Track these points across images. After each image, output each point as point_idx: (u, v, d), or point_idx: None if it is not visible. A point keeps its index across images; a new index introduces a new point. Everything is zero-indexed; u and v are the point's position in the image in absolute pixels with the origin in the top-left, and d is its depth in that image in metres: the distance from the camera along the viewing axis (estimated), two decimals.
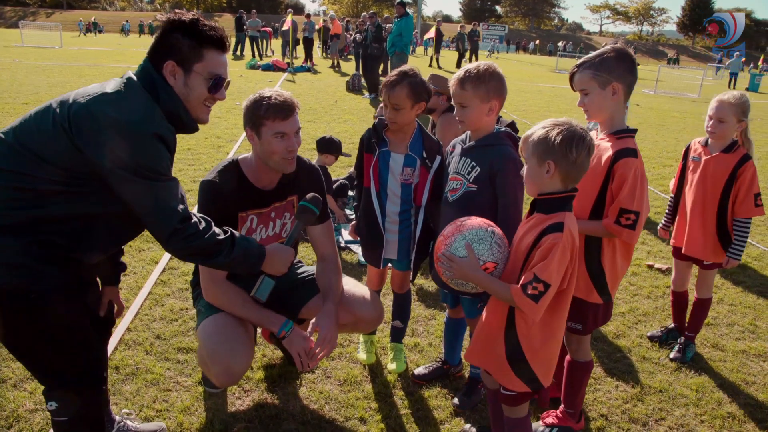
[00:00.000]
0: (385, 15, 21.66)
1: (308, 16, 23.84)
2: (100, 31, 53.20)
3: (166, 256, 4.61)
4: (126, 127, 1.88)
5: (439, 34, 28.02)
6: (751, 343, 3.90)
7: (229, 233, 2.16)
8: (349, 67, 22.55)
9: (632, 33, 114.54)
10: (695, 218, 3.50)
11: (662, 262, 5.22)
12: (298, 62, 22.45)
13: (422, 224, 3.02)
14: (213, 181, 2.61)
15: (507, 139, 2.67)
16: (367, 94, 15.09)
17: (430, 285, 4.42)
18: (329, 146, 5.66)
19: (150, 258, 4.58)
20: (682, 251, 3.58)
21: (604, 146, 2.55)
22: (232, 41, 25.41)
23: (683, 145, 3.79)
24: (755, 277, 5.08)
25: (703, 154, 3.49)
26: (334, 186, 5.83)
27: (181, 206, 2.01)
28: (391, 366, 3.31)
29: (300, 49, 24.33)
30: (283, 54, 23.76)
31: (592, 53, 2.59)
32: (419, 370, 3.27)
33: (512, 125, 4.11)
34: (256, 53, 25.52)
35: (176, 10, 2.09)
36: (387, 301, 3.75)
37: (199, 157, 7.80)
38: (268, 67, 20.58)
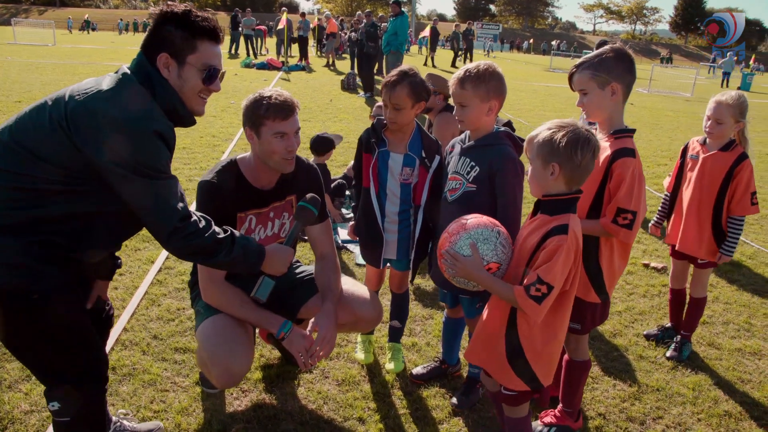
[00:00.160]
0: (380, 14, 21.66)
1: (303, 14, 23.82)
2: (93, 29, 52.91)
3: (163, 255, 4.59)
4: (125, 125, 1.87)
5: (435, 33, 28.01)
6: (746, 342, 3.92)
7: (229, 232, 2.16)
8: (344, 65, 22.51)
9: (625, 32, 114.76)
10: (691, 215, 3.52)
11: (658, 261, 5.23)
12: (293, 61, 22.40)
13: (421, 224, 3.01)
14: (211, 181, 2.60)
15: (506, 138, 2.67)
16: (362, 92, 15.07)
17: (427, 285, 4.42)
18: (323, 145, 5.64)
19: (146, 257, 4.56)
20: (676, 248, 3.61)
21: (602, 146, 2.55)
22: (227, 39, 25.30)
23: (677, 144, 3.82)
24: (750, 276, 5.11)
25: (701, 152, 3.51)
26: (332, 185, 5.82)
27: (180, 204, 2.00)
28: (389, 366, 3.31)
29: (295, 48, 24.28)
30: (278, 53, 23.70)
31: (591, 53, 2.59)
32: (417, 370, 3.27)
33: (509, 124, 4.11)
34: (251, 52, 25.44)
35: (169, 2, 2.08)
36: (385, 301, 3.75)
37: (195, 156, 7.77)
38: (262, 66, 20.52)
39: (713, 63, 41.63)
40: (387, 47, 14.36)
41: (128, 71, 2.03)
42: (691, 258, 3.63)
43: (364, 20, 16.55)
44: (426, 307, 4.11)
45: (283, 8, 24.67)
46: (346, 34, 27.01)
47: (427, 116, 5.17)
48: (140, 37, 40.55)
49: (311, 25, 24.28)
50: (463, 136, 2.82)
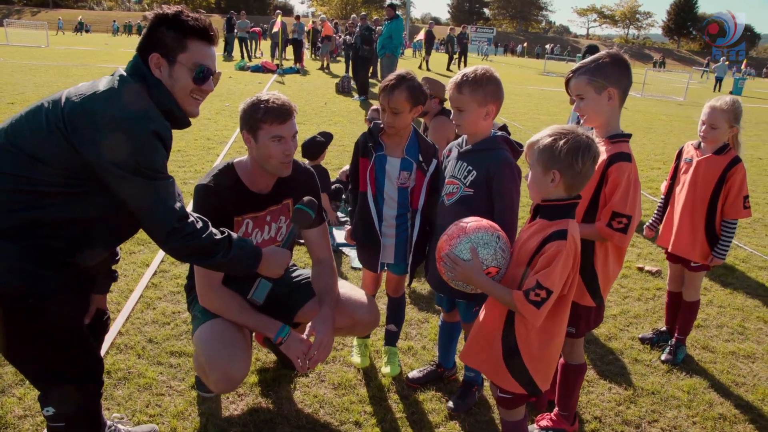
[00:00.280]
0: (374, 17, 21.71)
1: (297, 17, 23.81)
2: (87, 31, 52.72)
3: (158, 258, 4.57)
4: (123, 124, 1.87)
5: (430, 37, 28.07)
6: (740, 345, 3.94)
7: (226, 233, 2.16)
8: (339, 68, 22.53)
9: (618, 36, 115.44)
10: (684, 218, 3.55)
11: (652, 265, 5.26)
12: (288, 64, 22.40)
13: (419, 228, 3.02)
14: (208, 185, 2.60)
15: (503, 143, 2.68)
16: (356, 96, 15.08)
17: (422, 288, 4.42)
18: (314, 149, 5.63)
19: (141, 261, 4.54)
20: (669, 249, 3.64)
21: None
22: (222, 42, 25.29)
23: (671, 148, 3.86)
24: (743, 279, 5.14)
25: (696, 156, 3.55)
26: (331, 188, 5.81)
27: (178, 205, 2.00)
28: (386, 369, 3.31)
29: (289, 51, 24.28)
30: (273, 55, 23.69)
31: (588, 58, 2.60)
32: (413, 374, 3.27)
33: (504, 128, 4.12)
34: (245, 54, 25.43)
35: (162, 5, 2.10)
36: (380, 305, 3.75)
37: (189, 158, 7.76)
38: (257, 69, 20.52)
39: (707, 67, 41.87)
40: (382, 50, 14.39)
41: (125, 73, 2.03)
42: (684, 261, 3.65)
43: (359, 23, 16.57)
44: (422, 311, 4.11)
45: (278, 11, 24.65)
46: (340, 37, 27.04)
47: (422, 120, 5.18)
48: (134, 39, 40.42)
49: (306, 28, 24.28)
50: (460, 140, 2.82)
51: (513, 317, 2.22)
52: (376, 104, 9.82)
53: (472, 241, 2.19)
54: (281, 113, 2.50)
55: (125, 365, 3.20)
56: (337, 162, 8.00)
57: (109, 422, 2.65)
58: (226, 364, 2.54)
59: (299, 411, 2.97)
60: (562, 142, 2.05)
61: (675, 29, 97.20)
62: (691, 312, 3.70)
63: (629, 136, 2.60)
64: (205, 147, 8.51)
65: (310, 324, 2.70)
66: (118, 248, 2.51)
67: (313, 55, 27.56)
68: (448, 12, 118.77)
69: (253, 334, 3.22)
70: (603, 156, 2.53)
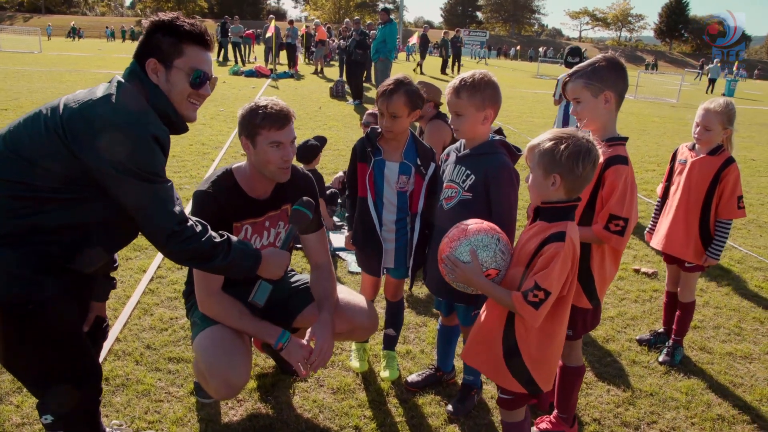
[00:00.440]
0: (368, 21, 21.73)
1: (291, 22, 23.84)
2: (80, 36, 52.59)
3: (154, 264, 4.56)
4: (122, 128, 1.88)
5: (424, 40, 28.13)
6: (737, 345, 3.96)
7: (225, 236, 2.16)
8: (333, 72, 22.55)
9: (611, 39, 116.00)
10: (678, 218, 3.58)
11: (648, 266, 5.28)
12: (282, 68, 22.41)
13: (419, 231, 3.02)
14: (207, 191, 2.60)
15: (502, 147, 2.69)
16: (351, 100, 15.09)
17: (420, 292, 4.42)
18: (308, 152, 5.64)
19: (137, 267, 4.53)
20: (661, 249, 3.67)
21: None
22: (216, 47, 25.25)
23: (664, 150, 3.89)
24: (739, 280, 5.16)
25: (690, 157, 3.58)
26: (327, 193, 5.82)
27: (177, 208, 2.01)
28: (384, 374, 3.31)
29: (283, 56, 24.29)
30: (266, 60, 23.69)
31: (585, 62, 2.62)
32: (412, 378, 3.27)
33: (500, 131, 4.14)
34: (239, 59, 25.43)
35: (159, 13, 2.13)
36: (379, 309, 3.75)
37: (185, 164, 7.75)
38: (251, 74, 20.50)
39: (701, 69, 42.10)
40: (376, 54, 14.40)
41: (122, 80, 2.05)
42: (679, 261, 3.67)
43: (353, 27, 16.59)
44: (419, 315, 4.11)
45: (271, 15, 24.65)
46: (334, 41, 27.08)
47: (418, 124, 5.18)
48: (128, 45, 40.23)
49: (299, 33, 24.31)
50: (458, 144, 2.83)
51: (513, 318, 2.24)
52: (370, 108, 9.84)
53: (472, 244, 2.20)
54: (279, 119, 2.51)
55: (123, 372, 3.19)
56: (332, 166, 8.00)
57: (108, 429, 2.65)
58: (226, 370, 2.53)
59: (299, 416, 2.97)
60: (562, 147, 2.07)
61: (667, 32, 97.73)
62: (686, 313, 3.72)
63: (626, 139, 2.62)
64: (200, 152, 8.50)
65: (310, 329, 2.70)
66: (116, 255, 2.51)
67: (306, 60, 27.57)
68: (441, 16, 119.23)
69: (252, 340, 3.21)
70: (600, 159, 2.55)
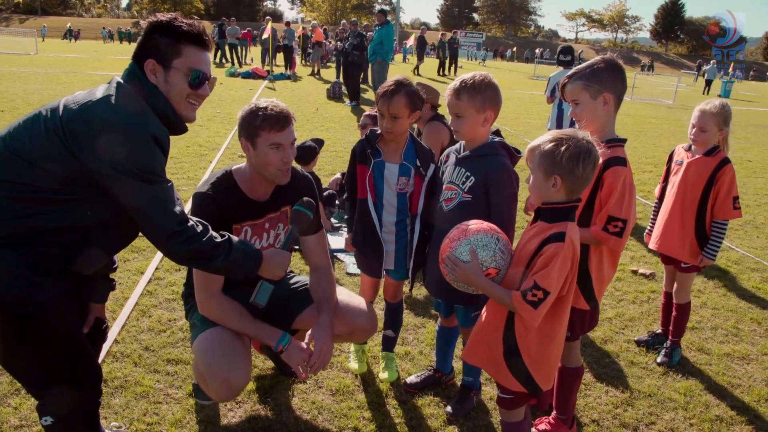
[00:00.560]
0: (365, 23, 21.73)
1: (287, 23, 23.84)
2: (76, 38, 52.49)
3: (152, 266, 4.55)
4: (121, 129, 1.89)
5: (422, 42, 28.14)
6: (734, 346, 3.97)
7: (226, 237, 2.16)
8: (329, 74, 22.55)
9: (607, 40, 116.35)
10: (674, 218, 3.59)
11: (646, 267, 5.29)
12: (279, 70, 22.39)
13: (418, 233, 3.02)
14: (207, 193, 2.59)
15: (501, 149, 2.70)
16: (348, 101, 15.10)
17: (418, 293, 4.42)
18: (306, 153, 5.63)
19: (135, 268, 4.52)
20: (656, 248, 3.68)
21: None
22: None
23: (661, 151, 3.91)
24: (736, 281, 5.18)
25: (686, 158, 3.60)
26: (324, 194, 5.81)
27: (178, 208, 2.01)
28: (383, 375, 3.31)
29: (280, 57, 24.29)
30: (263, 62, 23.68)
31: (583, 64, 2.63)
32: (411, 379, 3.27)
33: (497, 132, 4.14)
34: (236, 61, 25.43)
35: (157, 14, 2.13)
36: (377, 310, 3.75)
37: (182, 165, 7.74)
38: (248, 75, 20.50)
39: (698, 71, 42.26)
40: (373, 56, 14.43)
41: (121, 81, 2.05)
42: (675, 262, 3.68)
43: (350, 29, 16.61)
44: (418, 316, 4.11)
45: (267, 17, 24.63)
46: (330, 43, 27.09)
47: (416, 125, 5.19)
48: (125, 46, 40.05)
49: (296, 34, 24.31)
50: (458, 145, 2.84)
51: (513, 317, 2.25)
52: (367, 110, 9.83)
53: (472, 243, 2.21)
54: (279, 120, 2.50)
55: (122, 373, 3.18)
56: (330, 168, 8.00)
57: (107, 431, 2.64)
58: (226, 372, 2.52)
59: (298, 418, 2.97)
60: (563, 148, 2.08)
61: (663, 33, 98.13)
62: (682, 314, 3.73)
63: (624, 140, 2.63)
64: (197, 154, 8.49)
65: (309, 332, 2.69)
66: (115, 257, 2.51)
67: (303, 61, 27.57)
68: (438, 17, 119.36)
69: (250, 341, 3.21)
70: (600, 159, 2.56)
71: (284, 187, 2.73)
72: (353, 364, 3.38)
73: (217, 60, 25.77)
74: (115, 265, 2.54)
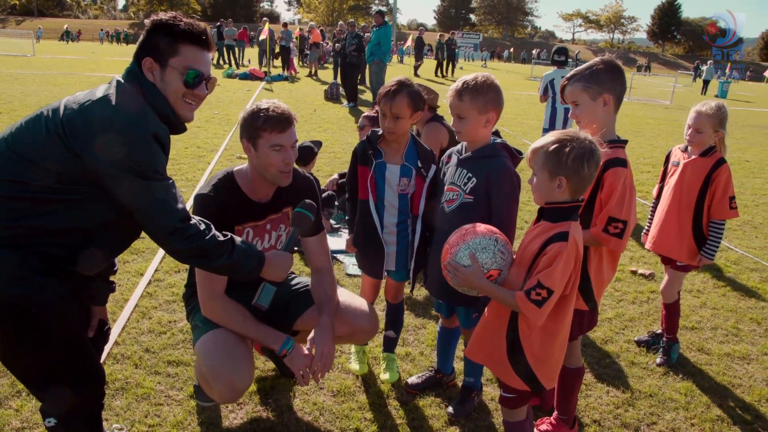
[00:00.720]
0: (362, 24, 21.75)
1: (285, 25, 23.86)
2: (73, 40, 52.38)
3: (152, 268, 4.55)
4: (122, 127, 1.89)
5: (420, 43, 28.13)
6: (734, 346, 3.98)
7: (229, 236, 2.16)
8: (327, 75, 22.55)
9: (604, 41, 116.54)
10: (671, 218, 3.60)
11: (645, 268, 5.30)
12: (276, 71, 22.39)
13: (420, 234, 3.03)
14: (208, 194, 2.59)
15: (503, 150, 2.70)
16: (345, 102, 15.11)
17: (419, 294, 4.42)
18: (304, 153, 5.63)
19: (135, 270, 4.52)
20: (655, 249, 3.70)
21: None
22: None
23: (659, 151, 3.92)
24: (735, 281, 5.19)
25: (682, 159, 3.61)
26: (323, 195, 5.82)
27: (180, 206, 2.01)
28: (384, 376, 3.31)
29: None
30: (260, 63, 23.69)
31: (582, 66, 2.63)
32: (412, 380, 3.28)
33: (497, 133, 4.15)
34: (233, 62, 25.42)
35: (159, 13, 2.13)
36: (378, 311, 3.75)
37: (181, 167, 7.73)
38: (245, 76, 20.49)
39: (695, 71, 42.38)
40: (370, 57, 14.44)
41: (121, 80, 2.05)
42: (674, 262, 3.69)
43: (347, 30, 16.62)
44: (418, 317, 4.11)
45: (265, 18, 24.64)
46: (328, 44, 27.10)
47: (415, 126, 5.19)
48: (122, 48, 39.90)
49: (294, 35, 24.32)
50: (459, 146, 2.84)
51: (516, 316, 2.26)
52: (365, 111, 9.84)
53: (471, 247, 2.22)
54: (281, 122, 2.50)
55: (123, 375, 3.18)
56: (328, 169, 8.00)
57: None
58: (230, 374, 2.52)
59: (299, 419, 2.97)
60: (568, 149, 2.08)
61: (659, 33, 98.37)
62: (671, 312, 3.75)
63: (625, 141, 2.64)
64: (195, 155, 8.48)
65: (311, 336, 2.69)
66: (115, 259, 2.51)
67: (300, 62, 27.57)
68: (435, 18, 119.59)
69: (252, 342, 3.21)
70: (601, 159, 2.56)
71: (285, 188, 2.72)
72: (354, 365, 3.38)
73: (214, 61, 25.74)
74: (115, 268, 2.54)
